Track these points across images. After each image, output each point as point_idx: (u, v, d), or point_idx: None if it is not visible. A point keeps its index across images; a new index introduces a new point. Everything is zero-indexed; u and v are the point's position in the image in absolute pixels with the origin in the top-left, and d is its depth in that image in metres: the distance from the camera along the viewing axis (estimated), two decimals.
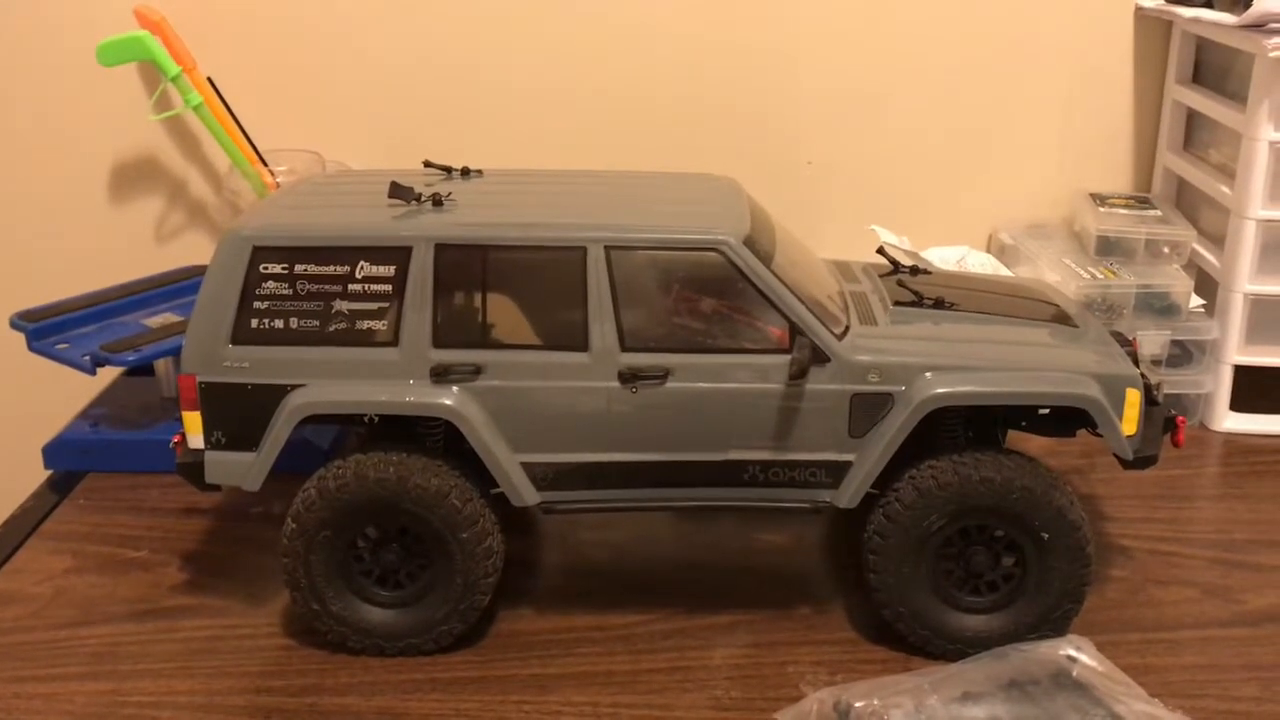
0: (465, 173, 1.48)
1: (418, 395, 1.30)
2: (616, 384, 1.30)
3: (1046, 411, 1.38)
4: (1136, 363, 1.41)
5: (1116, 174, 2.14)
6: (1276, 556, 1.54)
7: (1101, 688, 1.22)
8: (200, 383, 1.31)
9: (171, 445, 1.37)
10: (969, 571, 1.33)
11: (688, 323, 1.31)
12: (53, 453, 1.75)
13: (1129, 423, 1.35)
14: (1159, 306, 1.87)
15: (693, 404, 1.30)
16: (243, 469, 1.33)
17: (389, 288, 1.29)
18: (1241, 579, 1.49)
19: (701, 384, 1.30)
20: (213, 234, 2.09)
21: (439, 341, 1.30)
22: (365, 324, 1.30)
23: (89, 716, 1.26)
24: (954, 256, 1.98)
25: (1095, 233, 1.93)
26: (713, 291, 1.31)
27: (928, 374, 1.30)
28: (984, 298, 1.50)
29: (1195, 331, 1.87)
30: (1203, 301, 1.89)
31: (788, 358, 1.29)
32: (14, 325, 1.69)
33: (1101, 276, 1.88)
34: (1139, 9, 2.05)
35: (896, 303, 1.43)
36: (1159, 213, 1.97)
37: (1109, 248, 1.92)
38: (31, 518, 1.63)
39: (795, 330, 1.30)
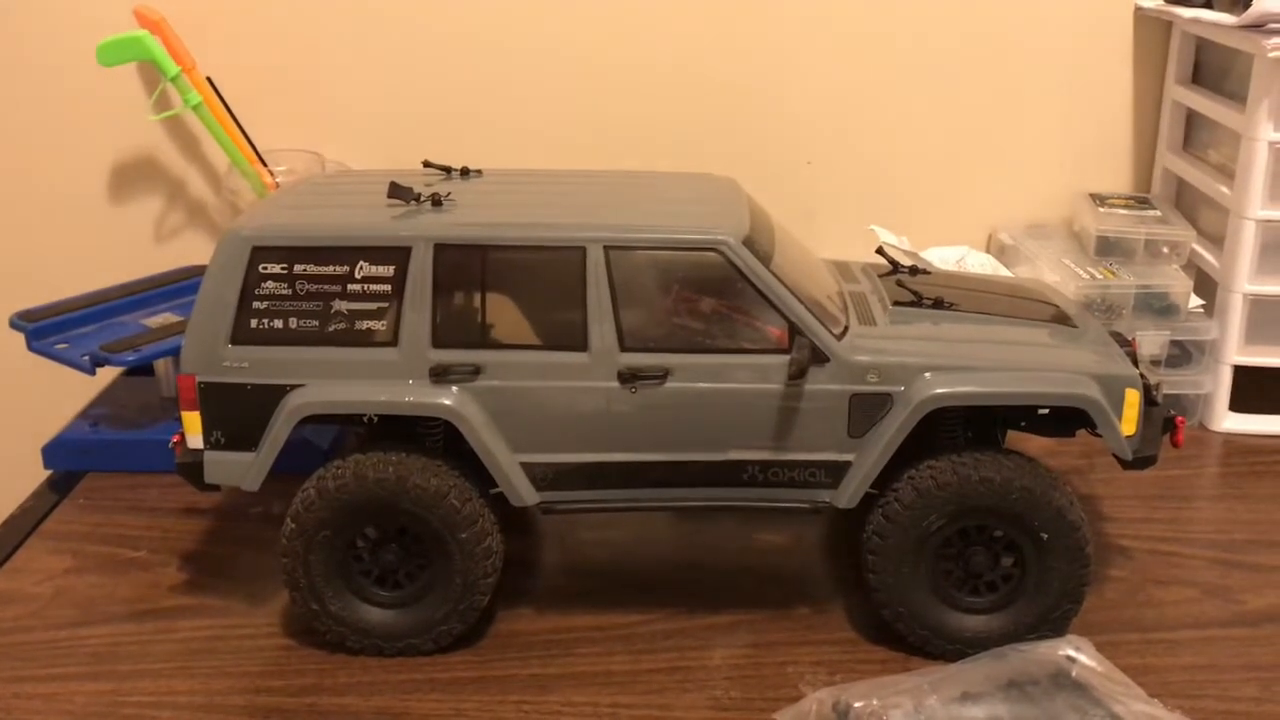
0: (465, 173, 1.48)
1: (417, 395, 1.30)
2: (616, 384, 1.30)
3: (1046, 412, 1.38)
4: (1136, 363, 1.41)
5: (1116, 174, 2.14)
6: (1276, 557, 1.54)
7: (1101, 688, 1.22)
8: (200, 383, 1.31)
9: (171, 445, 1.37)
10: (968, 572, 1.33)
11: (687, 323, 1.31)
12: (52, 453, 1.75)
13: (1128, 423, 1.35)
14: (1158, 307, 1.87)
15: (692, 404, 1.30)
16: (242, 469, 1.33)
17: (388, 288, 1.29)
18: (1241, 579, 1.49)
19: (701, 384, 1.30)
20: (212, 234, 2.09)
21: (438, 341, 1.30)
22: (364, 324, 1.30)
23: (89, 716, 1.26)
24: (954, 256, 1.98)
25: (1095, 233, 1.93)
26: (712, 291, 1.31)
27: (927, 374, 1.31)
28: (983, 298, 1.50)
29: (1194, 332, 1.87)
30: (1202, 302, 1.89)
31: (787, 358, 1.29)
32: (14, 325, 1.69)
33: (1101, 277, 1.88)
34: (1139, 9, 2.05)
35: (896, 303, 1.43)
36: (1158, 213, 1.97)
37: (1108, 248, 1.93)
38: (31, 517, 1.63)
39: (794, 330, 1.30)
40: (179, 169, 2.08)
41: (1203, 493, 1.73)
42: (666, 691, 1.29)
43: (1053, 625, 1.33)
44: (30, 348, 1.68)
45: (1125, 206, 1.99)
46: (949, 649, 1.33)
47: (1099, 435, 1.34)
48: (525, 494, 1.33)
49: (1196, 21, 1.89)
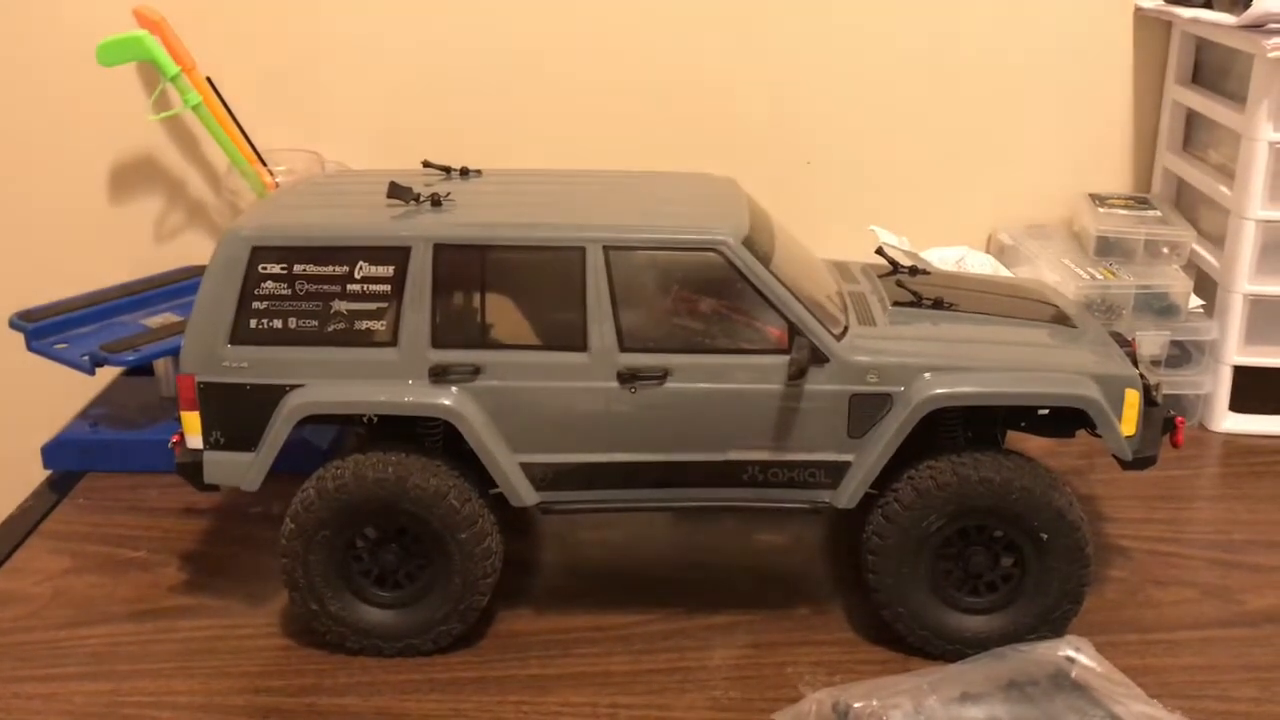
0: (464, 173, 1.48)
1: (416, 395, 1.30)
2: (615, 384, 1.30)
3: (1046, 412, 1.38)
4: (1135, 363, 1.41)
5: (1116, 174, 2.14)
6: (1275, 557, 1.54)
7: (1100, 688, 1.22)
8: (199, 383, 1.31)
9: (170, 445, 1.37)
10: (968, 572, 1.33)
11: (687, 323, 1.31)
12: (52, 452, 1.75)
13: (1128, 423, 1.35)
14: (1158, 307, 1.87)
15: (692, 404, 1.30)
16: (241, 469, 1.33)
17: (388, 288, 1.29)
18: (1240, 579, 1.49)
19: (700, 384, 1.30)
20: (212, 234, 2.09)
21: (438, 342, 1.30)
22: (364, 324, 1.30)
23: (88, 716, 1.26)
24: (953, 257, 1.98)
25: (1094, 233, 1.93)
26: (712, 292, 1.31)
27: (926, 374, 1.30)
28: (983, 298, 1.50)
29: (1194, 332, 1.87)
30: (1202, 302, 1.89)
31: (787, 358, 1.29)
32: (13, 325, 1.69)
33: (1101, 277, 1.88)
34: (1139, 9, 2.05)
35: (895, 303, 1.43)
36: (1158, 213, 1.97)
37: (1108, 248, 1.92)
38: (31, 517, 1.63)
39: (794, 330, 1.30)
40: (179, 169, 2.08)
41: (1202, 493, 1.73)
42: (666, 692, 1.29)
43: (1052, 626, 1.33)
44: (30, 348, 1.68)
45: (1125, 207, 1.99)
46: (949, 649, 1.33)
47: (1099, 436, 1.34)
48: (525, 494, 1.33)
49: (1196, 21, 1.89)
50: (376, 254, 1.29)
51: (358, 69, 2.04)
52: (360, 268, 1.29)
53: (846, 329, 1.34)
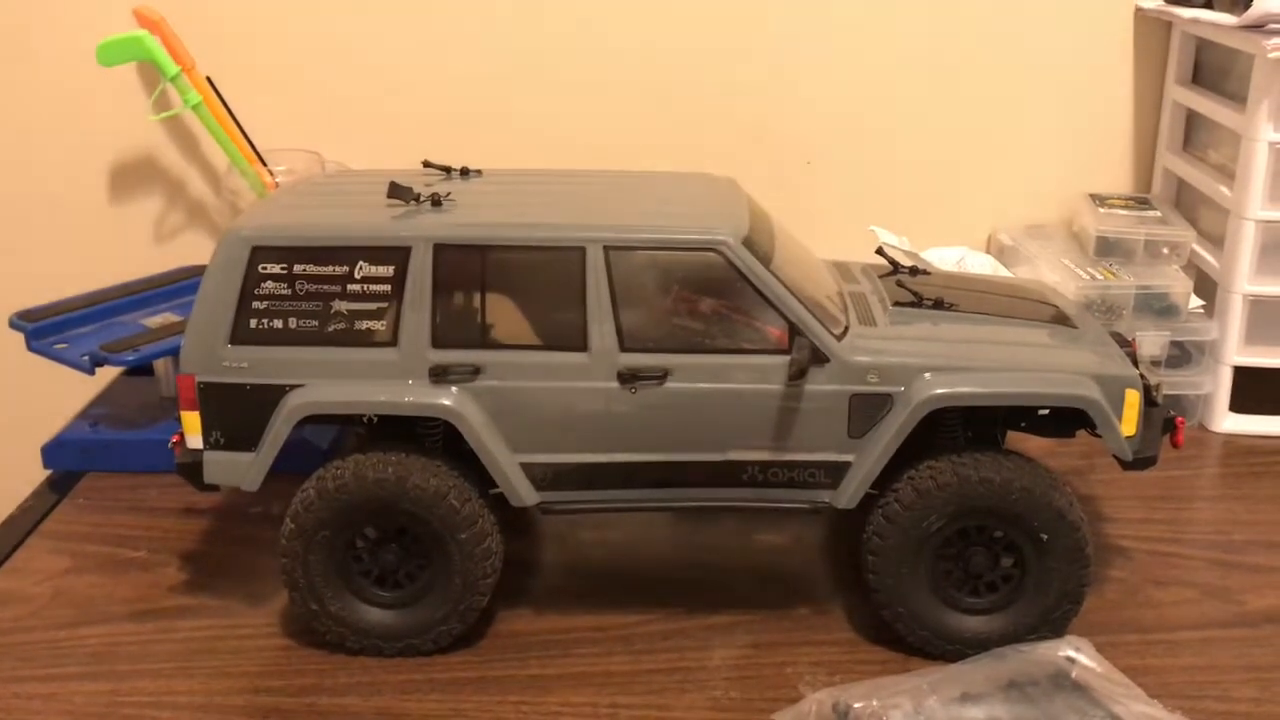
0: (464, 173, 1.48)
1: (416, 395, 1.30)
2: (615, 384, 1.30)
3: (1046, 412, 1.38)
4: (1136, 363, 1.41)
5: (1116, 174, 2.14)
6: (1276, 557, 1.54)
7: (1100, 689, 1.22)
8: (199, 383, 1.31)
9: (170, 445, 1.37)
10: (968, 572, 1.33)
11: (687, 323, 1.31)
12: (52, 452, 1.75)
13: (1128, 423, 1.35)
14: (1158, 307, 1.87)
15: (692, 404, 1.30)
16: (241, 469, 1.33)
17: (388, 288, 1.29)
18: (1240, 580, 1.49)
19: (701, 384, 1.30)
20: (212, 234, 2.09)
21: (438, 342, 1.30)
22: (364, 324, 1.30)
23: (88, 716, 1.26)
24: (953, 257, 1.98)
25: (1094, 233, 1.93)
26: (712, 292, 1.31)
27: (927, 375, 1.30)
28: (983, 298, 1.50)
29: (1194, 332, 1.87)
30: (1202, 302, 1.89)
31: (787, 358, 1.29)
32: (13, 325, 1.69)
33: (1101, 277, 1.88)
34: (1139, 9, 2.05)
35: (896, 303, 1.43)
36: (1158, 213, 1.97)
37: (1108, 248, 1.92)
38: (31, 517, 1.63)
39: (794, 331, 1.30)
40: (179, 169, 2.08)
41: (1202, 493, 1.73)
42: (666, 692, 1.29)
43: (1052, 626, 1.33)
44: (30, 348, 1.68)
45: (1125, 207, 1.99)
46: (949, 649, 1.33)
47: (1099, 436, 1.34)
48: (525, 494, 1.33)
49: (1196, 22, 1.89)
50: (377, 254, 1.29)
51: (358, 69, 2.04)
52: (360, 268, 1.29)
53: (847, 329, 1.34)
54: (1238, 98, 1.84)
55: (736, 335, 1.31)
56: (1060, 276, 1.86)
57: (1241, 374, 1.87)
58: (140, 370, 1.83)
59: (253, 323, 1.30)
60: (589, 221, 1.31)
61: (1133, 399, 1.35)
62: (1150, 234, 1.92)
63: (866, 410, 1.31)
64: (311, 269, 1.29)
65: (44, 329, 1.69)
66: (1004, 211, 2.12)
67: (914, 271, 1.55)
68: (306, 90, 2.04)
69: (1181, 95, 2.02)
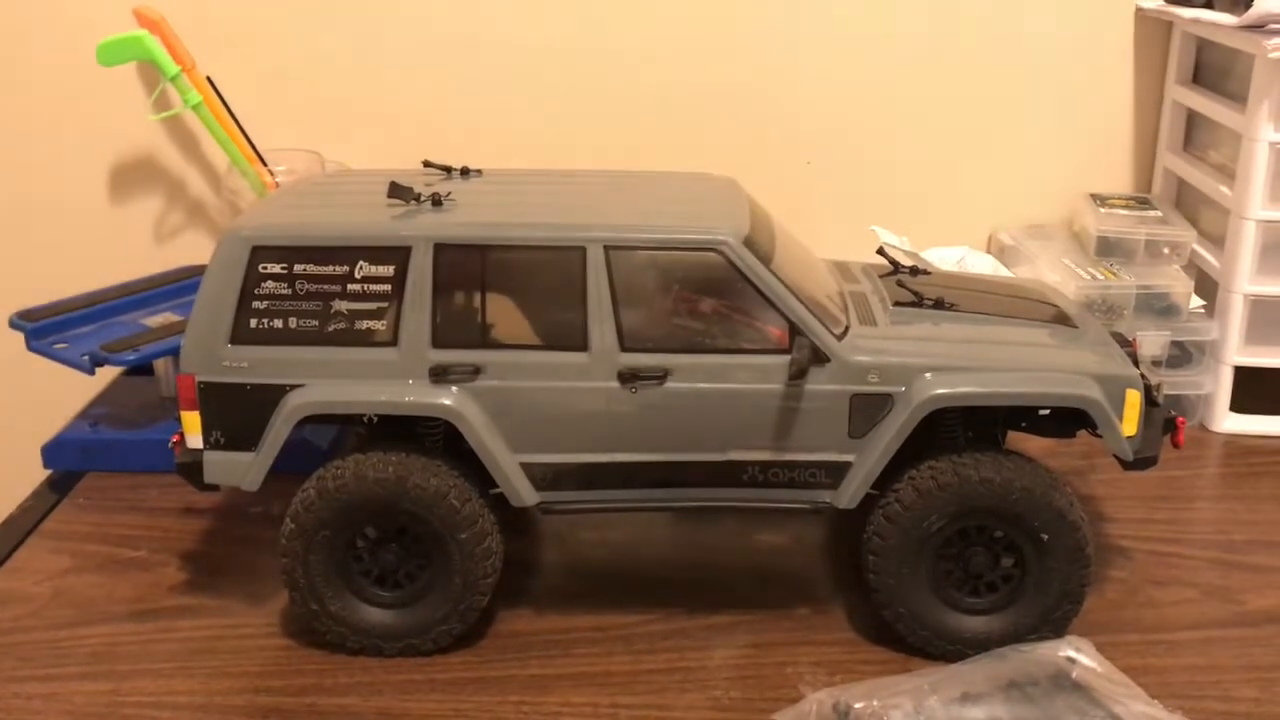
0: (464, 172, 1.48)
1: (417, 395, 1.30)
2: (616, 384, 1.30)
3: (1046, 412, 1.38)
4: (1136, 363, 1.41)
5: (1116, 174, 2.14)
6: (1276, 557, 1.54)
7: (1101, 689, 1.22)
8: (199, 382, 1.31)
9: (171, 445, 1.37)
10: (968, 572, 1.33)
11: (687, 323, 1.31)
12: (52, 452, 1.75)
13: (1129, 423, 1.35)
14: (1159, 307, 1.87)
15: (692, 404, 1.30)
16: (242, 469, 1.33)
17: (388, 288, 1.29)
18: (1241, 580, 1.49)
19: (701, 384, 1.30)
20: (212, 234, 2.09)
21: (438, 341, 1.29)
22: (364, 324, 1.30)
23: (88, 716, 1.26)
24: (954, 257, 1.98)
25: (1095, 233, 1.93)
26: (712, 292, 1.31)
27: (927, 374, 1.30)
28: (984, 298, 1.50)
29: (1195, 332, 1.87)
30: (1203, 302, 1.89)
31: (787, 358, 1.29)
32: (13, 325, 1.69)
33: (1101, 277, 1.88)
34: (1139, 9, 2.05)
35: (896, 303, 1.43)
36: (1159, 213, 1.97)
37: (1109, 248, 1.92)
38: (31, 517, 1.63)
39: (795, 330, 1.29)
40: (179, 169, 2.08)
41: (1203, 493, 1.72)
42: (666, 692, 1.29)
43: (1053, 626, 1.33)
44: (30, 347, 1.68)
45: (1126, 207, 1.99)
46: (949, 650, 1.33)
47: (1099, 436, 1.34)
48: (525, 494, 1.33)
49: (1197, 22, 1.89)
50: (377, 254, 1.29)
51: (358, 69, 2.04)
52: (360, 267, 1.29)
53: (847, 329, 1.34)
54: (1238, 98, 1.84)
55: (737, 335, 1.31)
56: (1061, 276, 1.86)
57: (1242, 374, 1.87)
58: (140, 370, 1.83)
59: (253, 322, 1.30)
60: (590, 221, 1.31)
61: (1133, 399, 1.35)
62: (1151, 234, 1.92)
63: (867, 410, 1.31)
64: (312, 269, 1.29)
65: (44, 329, 1.69)
66: (1004, 211, 2.12)
67: (914, 271, 1.55)
68: (306, 90, 2.04)
69: (1182, 95, 2.02)
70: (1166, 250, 1.92)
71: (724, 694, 1.29)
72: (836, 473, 1.33)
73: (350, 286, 1.29)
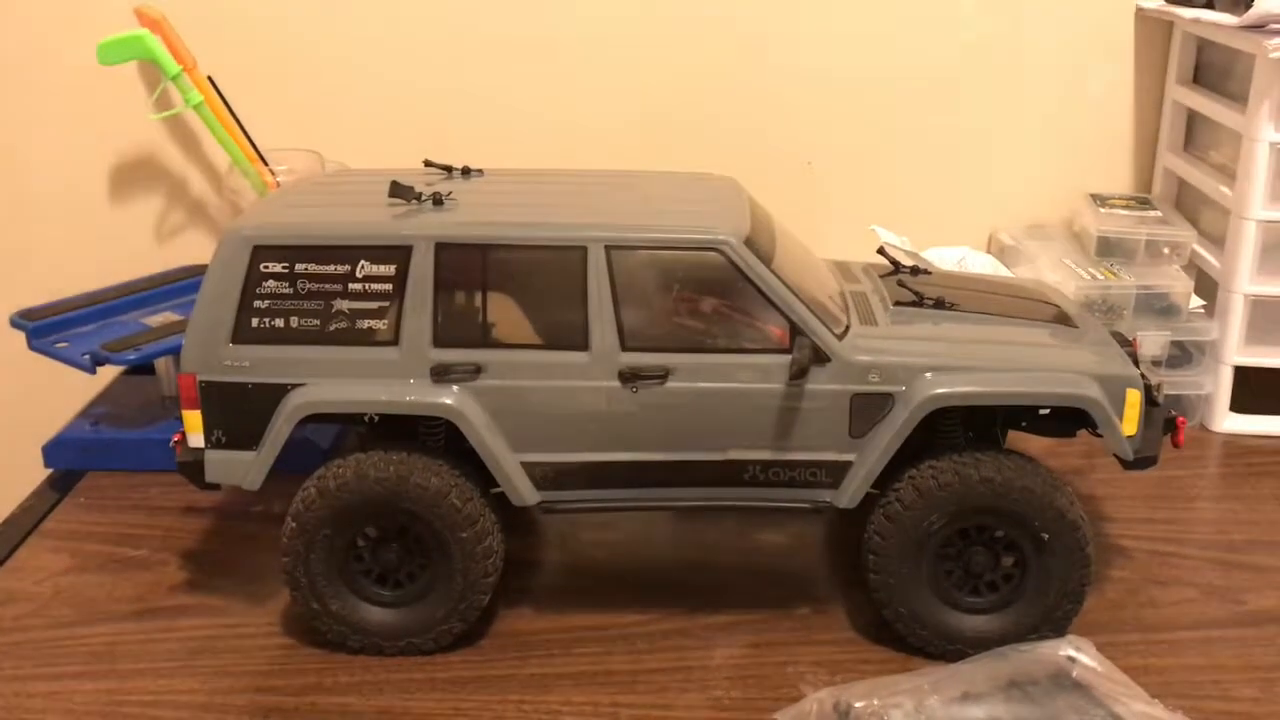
0: (465, 172, 1.48)
1: (418, 394, 1.30)
2: (617, 384, 1.30)
3: (1047, 412, 1.38)
4: (1136, 363, 1.41)
5: (1116, 174, 2.14)
6: (1276, 557, 1.54)
7: (1101, 688, 1.22)
8: (200, 382, 1.31)
9: (171, 444, 1.37)
10: (969, 572, 1.33)
11: (688, 322, 1.31)
12: (53, 451, 1.75)
13: (1129, 423, 1.35)
14: (1159, 307, 1.87)
15: (693, 404, 1.30)
16: (243, 468, 1.33)
17: (389, 287, 1.29)
18: (1241, 580, 1.49)
19: (702, 384, 1.30)
20: (213, 233, 2.09)
21: (439, 341, 1.30)
22: (366, 323, 1.30)
23: (89, 715, 1.26)
24: (954, 257, 1.98)
25: (1095, 233, 1.93)
26: (713, 291, 1.31)
27: (928, 374, 1.30)
28: (984, 298, 1.50)
29: (1195, 332, 1.87)
30: (1203, 302, 1.89)
31: (788, 358, 1.29)
32: (14, 324, 1.69)
33: (1101, 277, 1.88)
34: (1139, 9, 2.05)
35: (897, 303, 1.43)
36: (1159, 213, 1.97)
37: (1109, 248, 1.93)
38: (32, 516, 1.63)
39: (795, 330, 1.30)
40: (179, 168, 2.08)
41: (1203, 493, 1.73)
42: (666, 691, 1.29)
43: (1053, 625, 1.33)
44: (30, 347, 1.68)
45: (1126, 207, 1.99)
46: (949, 649, 1.33)
47: (1100, 435, 1.35)
48: (526, 493, 1.33)
49: (1197, 22, 1.89)
50: (378, 253, 1.29)
51: (358, 69, 2.04)
52: (362, 267, 1.29)
53: (848, 329, 1.34)
54: (1239, 98, 1.84)
55: (738, 335, 1.31)
56: (1061, 276, 1.86)
57: (1242, 374, 1.87)
58: (141, 369, 1.83)
59: (254, 322, 1.30)
60: (591, 221, 1.31)
61: (1133, 399, 1.35)
62: (1151, 234, 1.92)
63: (867, 410, 1.31)
64: (313, 268, 1.29)
65: (45, 328, 1.69)
66: (1004, 211, 2.12)
67: (915, 271, 1.55)
68: (306, 90, 2.04)
69: (1182, 95, 2.02)
70: (1166, 250, 1.92)
71: (725, 693, 1.29)
72: (837, 472, 1.33)
73: (351, 286, 1.29)
